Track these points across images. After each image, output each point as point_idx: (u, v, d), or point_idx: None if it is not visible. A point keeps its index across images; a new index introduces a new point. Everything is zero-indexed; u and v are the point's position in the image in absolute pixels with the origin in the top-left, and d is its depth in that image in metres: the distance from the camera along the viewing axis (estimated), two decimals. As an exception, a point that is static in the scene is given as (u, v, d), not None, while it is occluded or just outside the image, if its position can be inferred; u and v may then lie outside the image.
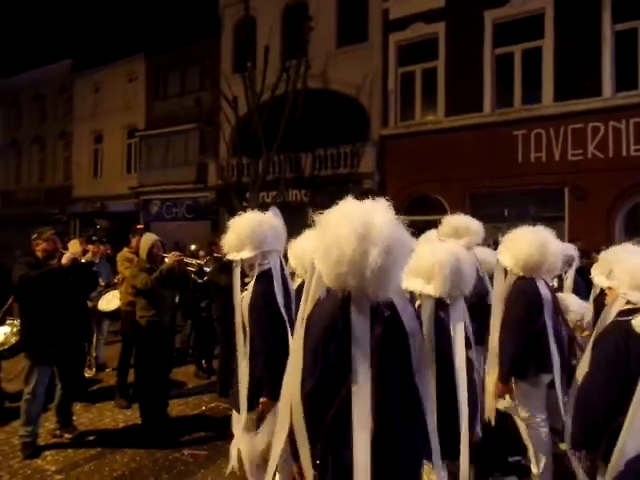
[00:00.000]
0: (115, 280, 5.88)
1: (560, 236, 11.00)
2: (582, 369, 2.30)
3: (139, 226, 5.77)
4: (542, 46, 10.44)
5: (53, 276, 3.81)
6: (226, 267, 4.96)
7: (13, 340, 4.37)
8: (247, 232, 2.77)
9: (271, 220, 2.90)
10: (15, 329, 4.40)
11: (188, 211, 16.29)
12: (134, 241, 5.27)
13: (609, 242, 8.01)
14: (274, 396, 2.72)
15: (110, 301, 5.70)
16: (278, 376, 2.69)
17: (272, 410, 2.86)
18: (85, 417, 4.70)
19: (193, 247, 6.71)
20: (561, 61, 10.17)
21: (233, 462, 2.93)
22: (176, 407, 4.91)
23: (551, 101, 10.33)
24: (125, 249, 5.44)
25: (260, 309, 2.76)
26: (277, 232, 2.90)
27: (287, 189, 13.09)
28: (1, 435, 4.26)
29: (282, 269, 2.90)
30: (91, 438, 4.25)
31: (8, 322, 4.63)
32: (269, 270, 2.84)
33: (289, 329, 2.81)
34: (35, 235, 3.97)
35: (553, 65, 10.28)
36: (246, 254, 2.77)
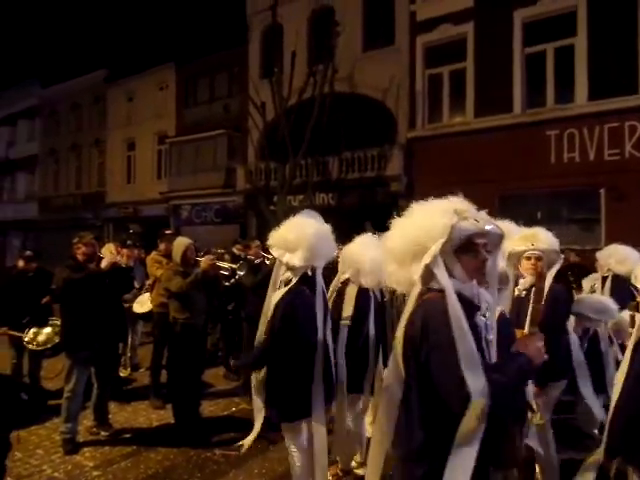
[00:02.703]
0: (147, 284, 6.04)
1: (597, 239, 10.58)
2: (621, 373, 2.22)
3: (167, 231, 5.94)
4: (575, 44, 10.17)
5: (94, 279, 3.97)
6: (254, 269, 5.05)
7: (56, 340, 4.55)
8: (309, 241, 2.75)
9: (331, 237, 2.93)
10: (57, 329, 4.58)
11: (217, 215, 16.58)
12: (162, 245, 5.47)
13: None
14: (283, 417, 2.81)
15: (144, 303, 5.87)
16: (286, 393, 2.74)
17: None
18: (120, 416, 4.84)
19: (220, 251, 6.75)
20: (595, 58, 9.87)
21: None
22: (207, 408, 5.00)
23: (585, 100, 10.04)
24: (154, 252, 5.62)
25: (283, 309, 2.76)
26: (330, 251, 2.94)
27: (314, 193, 13.15)
28: (43, 431, 4.44)
29: (320, 282, 2.94)
30: (126, 436, 4.39)
31: (51, 322, 4.83)
32: (313, 277, 2.86)
33: (321, 338, 2.82)
34: (76, 239, 4.15)
35: (587, 63, 9.99)
36: (295, 261, 2.76)
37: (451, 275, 1.65)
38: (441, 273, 1.61)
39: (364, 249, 3.47)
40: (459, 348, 1.50)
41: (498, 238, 1.76)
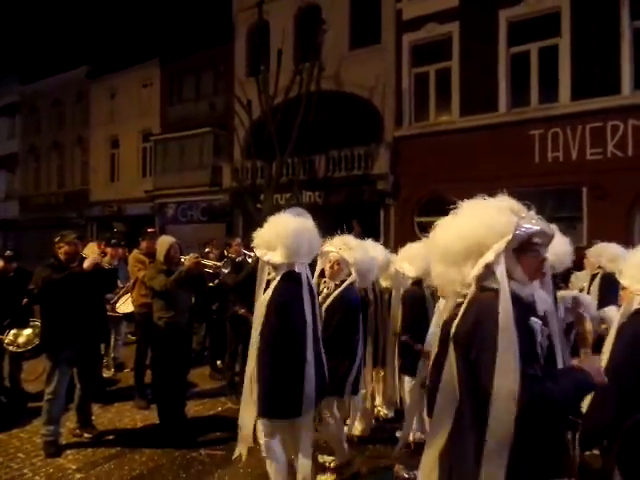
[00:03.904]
0: (129, 284, 5.93)
1: (579, 236, 10.75)
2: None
3: (150, 229, 5.83)
4: (559, 44, 10.30)
5: (75, 279, 3.89)
6: (236, 267, 5.02)
7: (36, 341, 4.45)
8: (287, 238, 2.74)
9: (313, 232, 2.93)
10: (38, 330, 4.48)
11: (203, 214, 16.45)
12: (144, 244, 5.33)
13: (629, 242, 7.86)
14: (271, 413, 2.77)
15: (128, 303, 5.78)
16: (279, 389, 2.73)
17: (285, 426, 2.88)
18: (104, 417, 4.77)
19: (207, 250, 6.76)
20: (578, 59, 10.02)
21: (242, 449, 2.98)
22: (193, 408, 4.95)
23: (568, 100, 10.18)
24: (135, 251, 5.47)
25: (277, 313, 2.74)
26: (313, 246, 2.94)
27: (301, 191, 13.13)
28: (24, 434, 4.35)
29: (308, 277, 2.94)
30: (110, 438, 4.32)
31: (31, 324, 4.72)
32: (295, 272, 2.85)
33: (310, 334, 2.82)
34: (58, 238, 4.06)
35: (570, 63, 10.13)
36: (276, 259, 2.77)
37: (510, 277, 1.56)
38: (501, 272, 1.52)
39: (369, 253, 3.70)
40: (499, 352, 1.44)
41: (549, 238, 1.70)
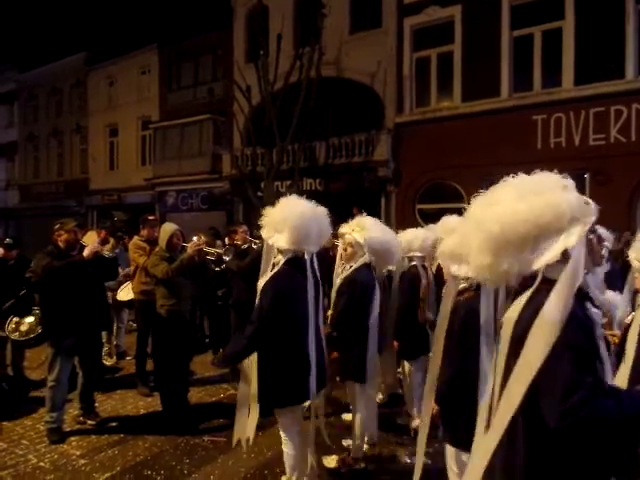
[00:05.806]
0: (129, 270, 5.93)
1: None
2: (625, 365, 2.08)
3: (150, 217, 5.80)
4: (562, 27, 10.14)
5: (75, 267, 3.88)
6: (241, 254, 5.01)
7: (39, 330, 4.45)
8: (295, 223, 2.66)
9: (323, 219, 2.85)
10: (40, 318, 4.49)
11: (203, 202, 16.41)
12: (144, 231, 5.31)
13: (632, 228, 7.83)
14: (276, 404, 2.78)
15: (129, 290, 5.78)
16: (280, 380, 2.73)
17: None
18: (107, 404, 4.80)
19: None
20: (582, 43, 9.87)
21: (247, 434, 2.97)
22: (195, 394, 4.98)
23: (572, 84, 10.05)
24: (136, 237, 5.43)
25: (271, 292, 2.69)
26: (322, 234, 2.86)
27: (301, 178, 13.06)
28: (27, 421, 4.38)
29: (313, 266, 2.86)
30: (114, 424, 4.35)
31: (34, 312, 4.73)
32: (300, 259, 2.78)
33: (312, 324, 2.79)
34: (58, 225, 4.05)
35: (574, 47, 9.98)
36: (281, 243, 2.69)
37: None
38: (577, 259, 1.31)
39: (389, 235, 3.62)
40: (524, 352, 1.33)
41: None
